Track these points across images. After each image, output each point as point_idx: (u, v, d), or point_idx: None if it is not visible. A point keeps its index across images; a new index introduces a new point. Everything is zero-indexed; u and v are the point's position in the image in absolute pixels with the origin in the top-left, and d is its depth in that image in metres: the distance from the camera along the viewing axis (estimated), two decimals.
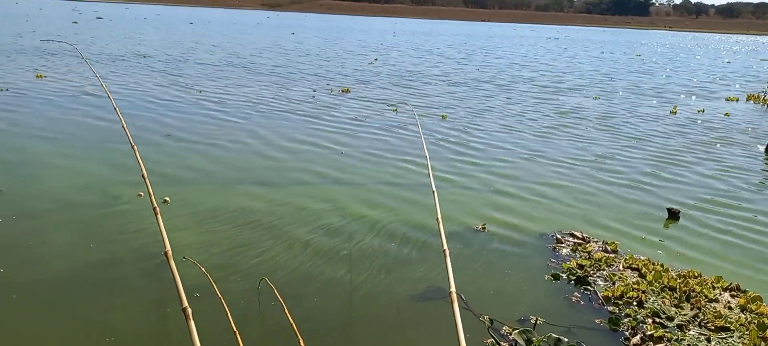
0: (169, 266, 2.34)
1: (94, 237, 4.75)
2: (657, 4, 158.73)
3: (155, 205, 2.49)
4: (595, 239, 5.29)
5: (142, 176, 2.64)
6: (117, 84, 12.93)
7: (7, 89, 11.45)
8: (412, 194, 6.39)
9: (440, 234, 2.39)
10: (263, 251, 4.70)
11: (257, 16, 76.88)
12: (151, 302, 3.84)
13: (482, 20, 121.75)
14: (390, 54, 26.53)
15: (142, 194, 5.68)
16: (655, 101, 15.11)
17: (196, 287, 3.83)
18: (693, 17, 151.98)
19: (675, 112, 13.11)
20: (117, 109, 3.01)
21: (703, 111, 13.54)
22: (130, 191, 5.75)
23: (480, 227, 5.45)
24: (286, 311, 3.09)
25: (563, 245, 5.15)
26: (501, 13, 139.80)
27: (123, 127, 2.91)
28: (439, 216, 2.43)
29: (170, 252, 2.34)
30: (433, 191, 2.52)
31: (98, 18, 45.95)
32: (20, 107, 9.83)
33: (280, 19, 67.63)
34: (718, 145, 9.84)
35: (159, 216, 2.46)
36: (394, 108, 11.72)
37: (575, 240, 5.26)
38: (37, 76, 13.34)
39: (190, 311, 2.03)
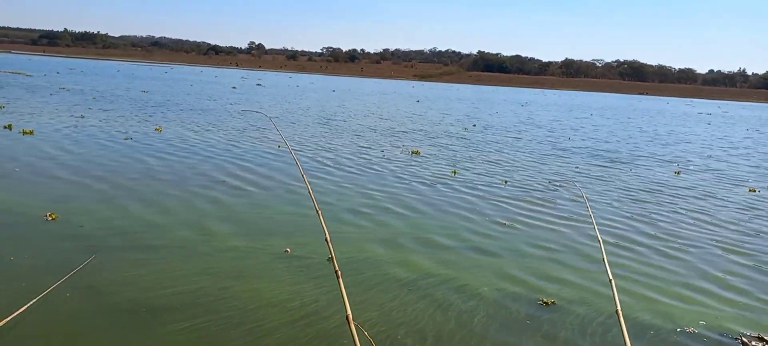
0: (350, 330, 2.39)
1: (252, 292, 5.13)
2: None
3: (337, 269, 2.59)
4: None
5: (326, 239, 2.75)
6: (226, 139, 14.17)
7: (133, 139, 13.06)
8: (583, 278, 6.05)
9: (622, 330, 2.18)
10: (422, 320, 4.73)
11: (403, 86, 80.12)
12: None
13: (640, 93, 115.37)
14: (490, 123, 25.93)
15: (288, 250, 6.07)
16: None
17: None
18: None
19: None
20: (303, 174, 3.26)
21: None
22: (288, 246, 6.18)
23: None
24: None
25: None
26: (661, 87, 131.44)
27: (309, 193, 3.13)
28: (619, 308, 2.23)
29: (351, 316, 2.39)
30: (610, 279, 2.34)
31: (258, 85, 51.24)
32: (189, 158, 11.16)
33: (422, 89, 69.82)
34: None
35: (340, 279, 2.54)
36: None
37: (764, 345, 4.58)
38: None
39: None
